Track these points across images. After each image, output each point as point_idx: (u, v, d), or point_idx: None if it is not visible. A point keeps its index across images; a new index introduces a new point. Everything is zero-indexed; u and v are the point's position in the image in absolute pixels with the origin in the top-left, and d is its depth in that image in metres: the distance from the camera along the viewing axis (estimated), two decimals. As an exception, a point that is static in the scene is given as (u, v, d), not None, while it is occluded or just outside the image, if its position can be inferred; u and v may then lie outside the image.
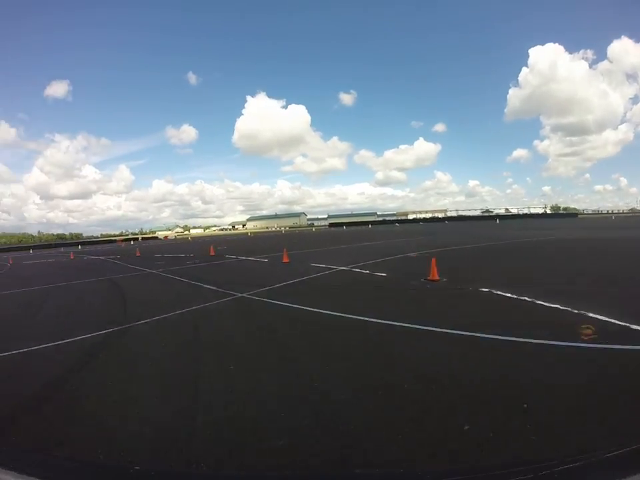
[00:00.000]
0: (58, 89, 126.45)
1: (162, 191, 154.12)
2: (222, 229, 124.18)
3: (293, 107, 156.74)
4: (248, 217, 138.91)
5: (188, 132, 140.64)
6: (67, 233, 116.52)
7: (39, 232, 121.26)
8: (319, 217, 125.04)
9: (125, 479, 1.17)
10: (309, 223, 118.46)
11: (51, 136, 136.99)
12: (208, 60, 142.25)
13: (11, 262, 25.27)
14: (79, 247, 55.83)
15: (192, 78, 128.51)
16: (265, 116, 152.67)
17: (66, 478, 1.01)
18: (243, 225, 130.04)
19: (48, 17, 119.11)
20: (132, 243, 61.55)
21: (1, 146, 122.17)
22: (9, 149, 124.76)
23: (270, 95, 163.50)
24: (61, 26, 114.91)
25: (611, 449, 1.01)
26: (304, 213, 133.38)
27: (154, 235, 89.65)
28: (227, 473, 1.89)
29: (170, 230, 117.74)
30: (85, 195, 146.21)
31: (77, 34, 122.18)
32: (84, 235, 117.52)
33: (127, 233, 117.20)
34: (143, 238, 77.85)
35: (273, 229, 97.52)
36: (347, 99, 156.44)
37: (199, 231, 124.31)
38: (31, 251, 47.28)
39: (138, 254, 24.75)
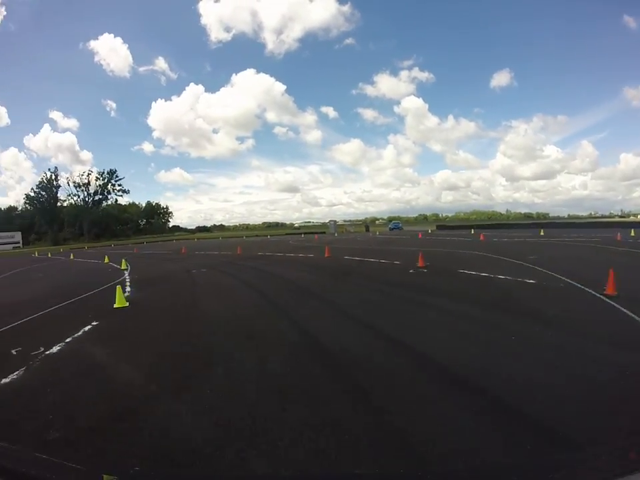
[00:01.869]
0: (501, 79, 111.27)
1: (631, 166, 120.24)
2: None
3: None
4: None
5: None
6: (533, 212, 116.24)
7: (507, 210, 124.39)
8: None
9: (125, 479, 1.20)
10: None
11: (507, 123, 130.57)
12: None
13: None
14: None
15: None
16: None
17: (66, 478, 1.01)
18: None
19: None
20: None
21: (466, 138, 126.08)
22: (472, 140, 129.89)
23: None
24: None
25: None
26: None
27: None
28: (227, 473, 1.90)
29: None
30: (548, 175, 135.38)
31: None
32: (550, 214, 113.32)
33: (597, 214, 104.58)
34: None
35: None
36: None
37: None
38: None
39: None
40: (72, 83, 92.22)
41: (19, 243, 65.52)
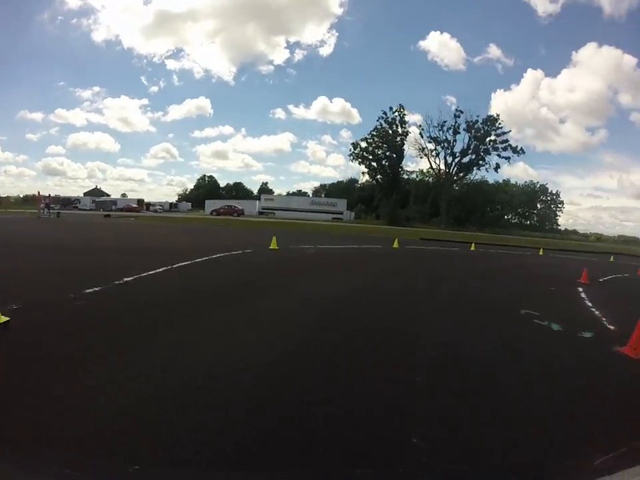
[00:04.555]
0: None
1: None
2: None
3: None
4: None
5: None
6: None
7: None
8: None
9: (125, 479, 1.19)
10: None
11: None
12: None
13: None
14: None
15: None
16: None
17: (66, 477, 1.02)
18: None
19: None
20: None
21: None
22: None
23: None
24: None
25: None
26: None
27: None
28: (227, 473, 1.92)
29: None
30: None
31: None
32: None
33: None
34: None
35: None
36: None
37: None
38: None
39: None
40: (412, 81, 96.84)
41: (341, 213, 53.47)
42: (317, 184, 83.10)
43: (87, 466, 1.37)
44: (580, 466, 1.07)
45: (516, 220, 68.07)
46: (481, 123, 53.22)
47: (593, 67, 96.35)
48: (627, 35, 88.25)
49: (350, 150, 57.78)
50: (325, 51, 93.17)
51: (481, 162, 54.86)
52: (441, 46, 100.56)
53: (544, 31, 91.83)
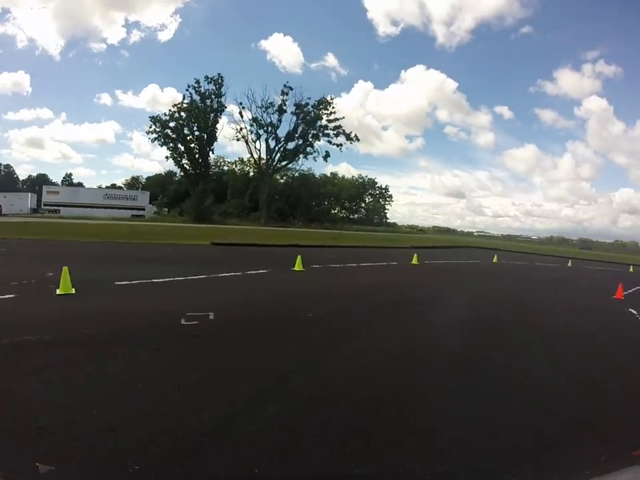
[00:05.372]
0: None
1: None
2: None
3: None
4: None
5: None
6: None
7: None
8: None
9: (125, 479, 1.26)
10: None
11: None
12: None
13: None
14: None
15: None
16: None
17: (66, 477, 1.07)
18: None
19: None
20: None
21: None
22: None
23: None
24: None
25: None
26: None
27: None
28: (228, 473, 1.87)
29: None
30: None
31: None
32: None
33: None
34: None
35: None
36: None
37: None
38: None
39: None
40: (247, 79, 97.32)
41: (143, 209, 43.17)
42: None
43: (88, 465, 1.45)
44: (580, 465, 1.22)
45: (344, 214, 67.98)
46: (312, 106, 46.63)
47: (418, 86, 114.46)
48: (452, 64, 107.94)
49: (149, 127, 42.54)
50: (164, 36, 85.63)
51: (308, 148, 48.43)
52: (282, 48, 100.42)
53: (380, 48, 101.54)
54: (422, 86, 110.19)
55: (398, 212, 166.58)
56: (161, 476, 1.49)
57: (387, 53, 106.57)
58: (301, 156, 49.44)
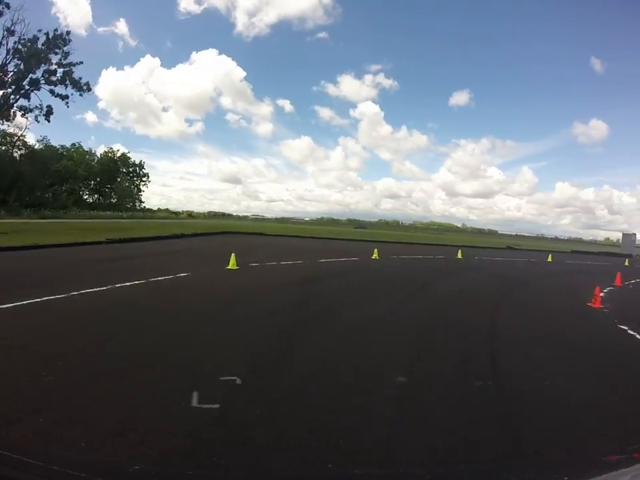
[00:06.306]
0: (460, 99, 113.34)
1: (565, 195, 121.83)
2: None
3: None
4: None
5: (598, 128, 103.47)
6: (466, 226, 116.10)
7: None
8: None
9: (125, 479, 1.20)
10: None
11: (457, 140, 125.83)
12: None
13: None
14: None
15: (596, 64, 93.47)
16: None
17: (66, 477, 1.00)
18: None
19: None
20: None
21: (415, 150, 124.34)
22: (421, 152, 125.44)
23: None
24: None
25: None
26: None
27: None
28: (228, 474, 1.88)
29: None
30: (487, 194, 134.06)
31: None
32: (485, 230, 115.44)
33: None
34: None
35: None
36: None
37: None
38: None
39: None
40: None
41: None
42: None
43: (87, 466, 1.40)
44: (579, 466, 1.16)
45: (89, 198, 53.91)
46: (40, 41, 33.10)
47: (206, 69, 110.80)
48: (245, 53, 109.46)
49: None
50: None
51: (22, 100, 34.11)
52: (70, 4, 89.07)
53: (177, 25, 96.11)
54: (210, 70, 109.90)
55: (174, 198, 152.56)
56: (161, 476, 1.41)
57: (183, 30, 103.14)
58: (11, 110, 34.43)
